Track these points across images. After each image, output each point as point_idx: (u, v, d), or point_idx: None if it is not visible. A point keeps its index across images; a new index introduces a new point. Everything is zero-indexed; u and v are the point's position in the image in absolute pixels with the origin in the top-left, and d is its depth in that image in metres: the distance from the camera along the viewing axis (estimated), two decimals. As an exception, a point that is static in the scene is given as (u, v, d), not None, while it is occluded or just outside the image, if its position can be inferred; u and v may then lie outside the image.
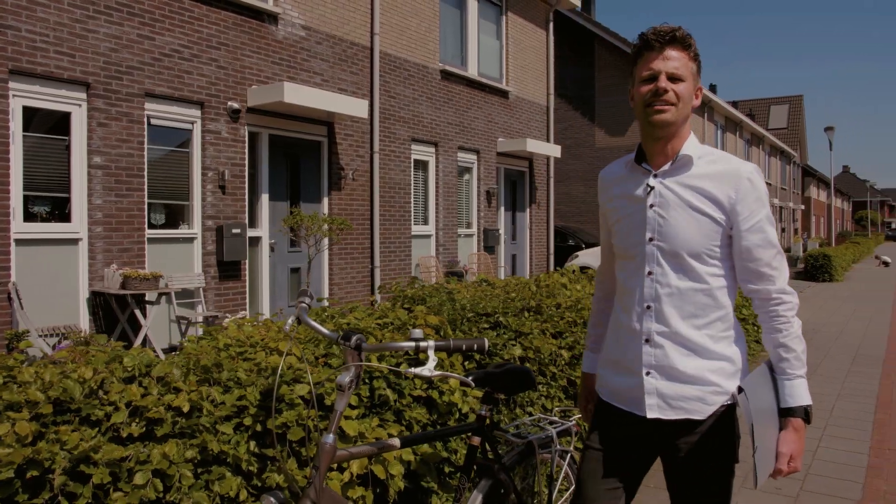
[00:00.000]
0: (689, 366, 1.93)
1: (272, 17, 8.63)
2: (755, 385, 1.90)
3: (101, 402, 2.05)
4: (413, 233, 11.38)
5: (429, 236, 11.96)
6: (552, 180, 15.56)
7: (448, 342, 1.97)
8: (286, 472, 2.23)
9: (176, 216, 7.73)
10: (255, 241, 8.61)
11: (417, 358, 2.92)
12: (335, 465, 2.36)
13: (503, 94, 13.70)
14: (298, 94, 8.12)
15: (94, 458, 1.87)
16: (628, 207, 2.03)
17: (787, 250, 32.97)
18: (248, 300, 8.30)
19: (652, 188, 1.97)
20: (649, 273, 1.96)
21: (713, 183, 1.91)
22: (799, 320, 1.96)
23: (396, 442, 2.11)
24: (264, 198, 8.74)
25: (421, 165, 11.78)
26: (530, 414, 3.54)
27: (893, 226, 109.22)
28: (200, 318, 7.40)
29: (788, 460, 1.88)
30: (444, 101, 12.00)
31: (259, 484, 2.24)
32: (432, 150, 11.86)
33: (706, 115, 27.56)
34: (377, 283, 10.28)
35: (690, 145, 1.97)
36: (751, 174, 1.92)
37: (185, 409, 2.08)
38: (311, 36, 9.23)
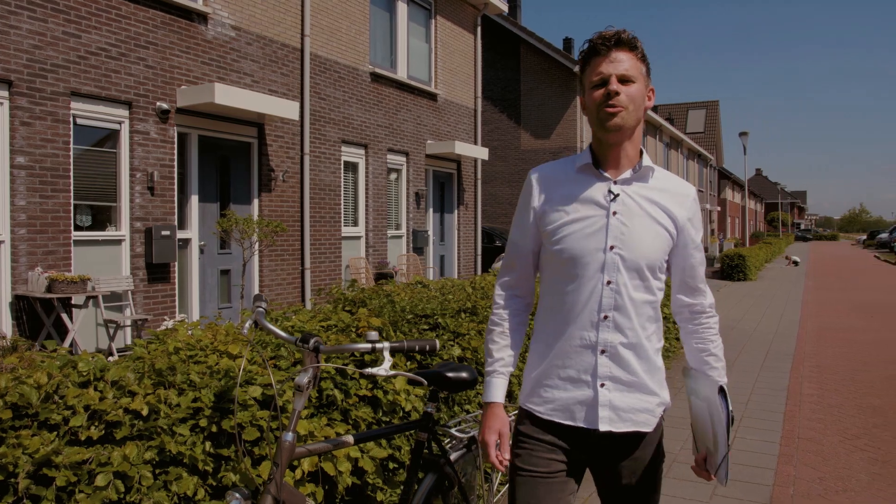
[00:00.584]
0: (642, 377, 1.92)
1: (202, 17, 8.54)
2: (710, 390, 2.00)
3: (58, 407, 2.10)
4: (343, 234, 11.43)
5: (359, 238, 12.02)
6: (479, 182, 15.85)
7: (402, 343, 2.11)
8: (242, 471, 2.33)
9: (103, 218, 7.57)
10: (185, 242, 8.50)
11: (363, 359, 3.05)
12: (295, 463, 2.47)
13: (432, 96, 13.89)
14: (229, 96, 8.07)
15: (55, 461, 1.93)
16: (580, 213, 1.92)
17: (705, 250, 34.42)
18: (177, 303, 8.18)
19: (616, 195, 1.91)
20: (609, 282, 1.89)
21: (670, 198, 1.94)
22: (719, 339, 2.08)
23: (350, 439, 2.24)
24: (194, 199, 8.63)
25: (351, 167, 11.83)
26: (468, 411, 3.71)
27: (802, 226, 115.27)
28: (129, 322, 7.27)
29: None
30: (374, 103, 12.09)
31: (214, 483, 2.33)
32: (362, 151, 11.93)
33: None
34: (308, 284, 10.29)
35: (647, 157, 1.97)
36: (695, 196, 2.01)
37: (144, 412, 2.16)
38: (242, 36, 9.18)
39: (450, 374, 2.51)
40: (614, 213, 1.90)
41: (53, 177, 6.83)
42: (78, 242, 7.16)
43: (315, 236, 10.49)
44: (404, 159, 13.12)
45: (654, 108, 49.06)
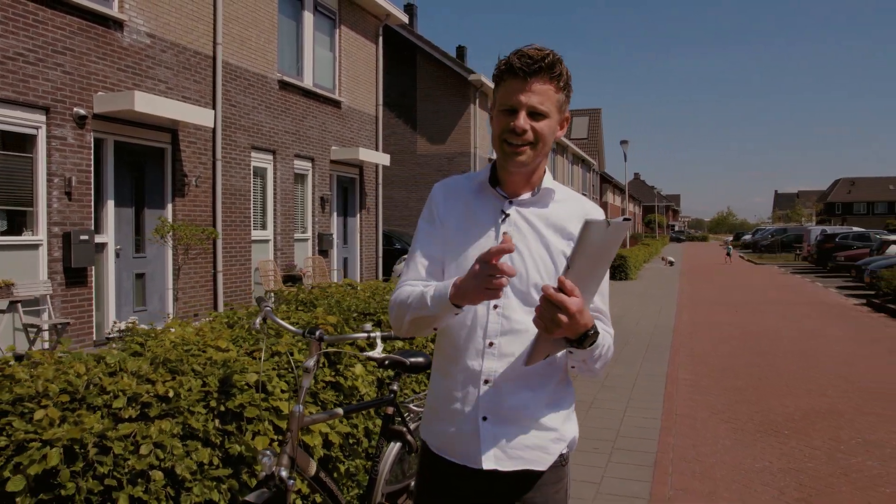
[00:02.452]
0: (530, 409, 1.77)
1: (118, 24, 8.65)
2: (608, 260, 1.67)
3: (99, 392, 2.53)
4: (253, 238, 11.68)
5: (267, 241, 12.30)
6: (381, 187, 16.40)
7: (390, 333, 2.68)
8: (246, 442, 2.83)
9: (20, 222, 7.59)
10: (101, 247, 8.59)
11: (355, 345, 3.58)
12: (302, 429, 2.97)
13: (336, 103, 14.31)
14: (148, 103, 8.25)
15: (109, 434, 2.36)
16: (474, 231, 1.83)
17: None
18: (94, 306, 8.27)
19: (507, 215, 1.81)
20: (495, 307, 1.76)
21: (572, 220, 1.82)
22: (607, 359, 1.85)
23: (340, 411, 2.78)
24: (110, 204, 8.72)
25: (260, 172, 12.10)
26: (415, 391, 4.31)
27: (677, 228, 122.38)
28: (47, 326, 7.35)
29: (575, 304, 1.55)
30: (282, 110, 12.40)
31: (221, 454, 2.80)
32: (270, 157, 12.22)
33: (516, 125, 29.76)
34: (220, 287, 10.50)
35: (548, 178, 1.88)
36: (602, 215, 1.80)
37: (170, 394, 2.61)
38: (156, 44, 9.32)
39: (411, 360, 3.10)
40: (503, 233, 1.80)
41: (-27, 182, 6.85)
42: (-4, 247, 7.18)
43: (227, 240, 10.72)
44: (310, 165, 13.48)
45: (541, 115, 51.13)
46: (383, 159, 15.49)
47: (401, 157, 24.60)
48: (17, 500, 2.14)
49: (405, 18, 16.90)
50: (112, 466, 2.32)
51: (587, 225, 1.49)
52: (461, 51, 32.57)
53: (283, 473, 2.41)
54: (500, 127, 1.77)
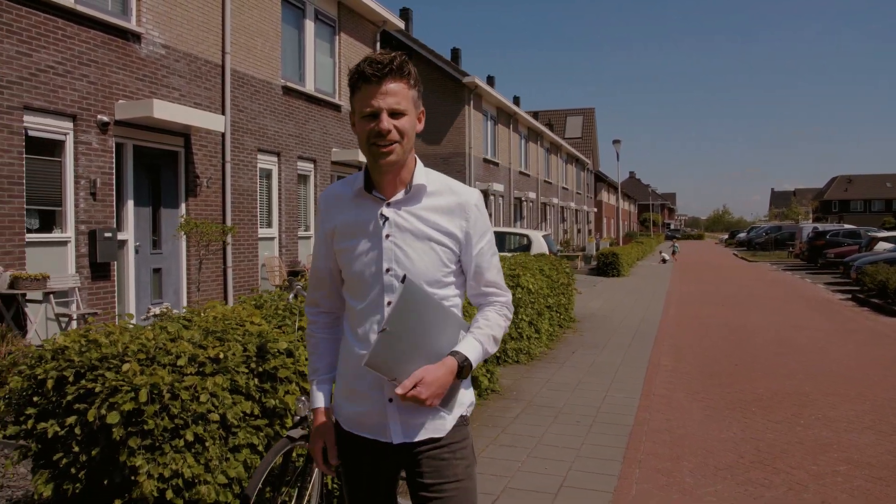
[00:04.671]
0: (452, 393, 1.96)
1: (136, 37, 9.27)
2: (435, 308, 1.94)
3: (165, 353, 3.15)
4: (259, 235, 12.29)
5: (272, 238, 12.92)
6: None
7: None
8: (279, 397, 3.45)
9: (50, 221, 8.21)
10: (122, 243, 9.20)
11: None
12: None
13: (336, 107, 14.92)
14: (166, 110, 8.88)
15: (177, 385, 2.99)
16: (359, 236, 1.98)
17: (583, 249, 36.98)
18: (116, 298, 8.90)
19: (387, 218, 1.95)
20: (389, 303, 1.92)
21: (444, 214, 1.97)
22: (506, 326, 2.11)
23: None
24: (130, 203, 9.35)
25: (265, 173, 12.71)
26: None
27: (672, 226, 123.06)
28: (75, 316, 7.96)
29: (416, 384, 1.84)
30: (286, 114, 13.01)
31: (259, 407, 3.42)
32: (275, 159, 12.84)
33: (511, 125, 30.42)
34: (230, 282, 11.12)
35: (419, 174, 1.99)
36: (478, 202, 2.03)
37: (221, 355, 3.23)
38: (171, 54, 9.94)
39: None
40: (387, 235, 1.94)
41: (9, 184, 7.46)
42: (30, 244, 7.79)
43: (236, 237, 11.33)
44: (312, 166, 14.10)
45: (535, 115, 51.77)
46: (382, 160, 16.10)
47: (399, 157, 25.15)
48: (114, 429, 2.77)
49: (401, 24, 17.52)
50: (180, 409, 2.94)
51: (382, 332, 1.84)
52: (456, 53, 33.21)
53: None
54: (365, 132, 1.90)
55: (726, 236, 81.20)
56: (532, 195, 33.00)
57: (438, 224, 1.97)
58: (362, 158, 15.14)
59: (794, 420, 6.15)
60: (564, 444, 5.40)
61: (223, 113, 11.03)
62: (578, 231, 48.23)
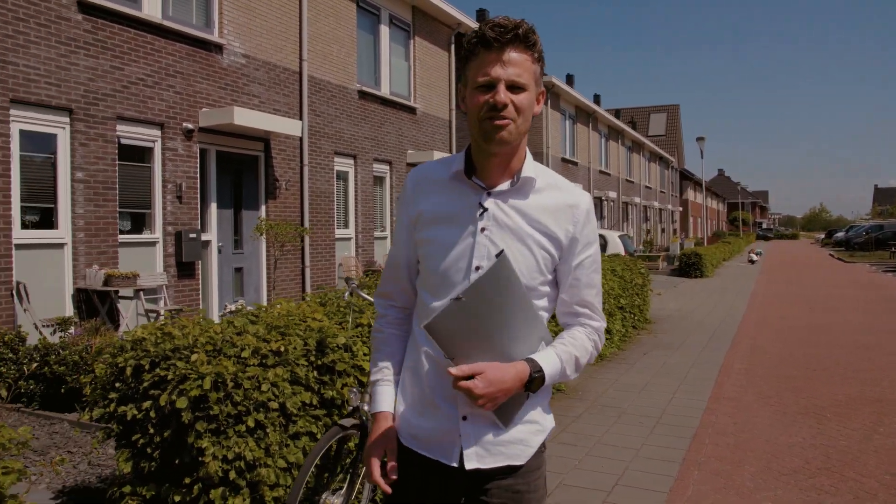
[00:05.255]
0: (514, 406, 1.69)
1: (218, 48, 9.78)
2: (522, 303, 1.68)
3: (231, 345, 3.39)
4: (336, 236, 12.70)
5: (349, 239, 13.32)
6: (456, 187, 17.21)
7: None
8: (338, 389, 3.65)
9: (141, 223, 8.79)
10: (206, 244, 9.73)
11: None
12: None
13: (412, 110, 15.21)
14: (246, 117, 9.34)
15: (240, 375, 3.22)
16: (449, 226, 1.73)
17: (666, 249, 36.19)
18: (201, 296, 9.42)
19: (485, 209, 1.71)
20: None
21: (552, 215, 1.73)
22: (593, 355, 1.83)
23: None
24: (213, 206, 9.87)
25: (342, 176, 13.12)
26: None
27: (764, 226, 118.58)
28: (163, 312, 8.48)
29: (476, 374, 1.58)
30: (362, 117, 13.38)
31: (318, 398, 3.63)
32: (351, 162, 13.22)
33: (591, 124, 30.13)
34: (308, 280, 11.55)
35: (529, 164, 1.75)
36: (590, 207, 1.79)
37: (282, 350, 3.46)
38: (251, 63, 10.42)
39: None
40: (482, 229, 1.70)
41: (104, 188, 8.04)
42: (122, 244, 8.36)
43: (313, 238, 11.75)
44: (388, 168, 14.43)
45: (617, 113, 51.03)
46: (457, 162, 16.31)
47: (475, 158, 25.32)
48: (182, 413, 3.02)
49: (476, 26, 17.63)
50: (243, 397, 3.17)
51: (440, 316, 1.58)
52: (535, 52, 33.06)
53: (366, 407, 3.22)
54: (477, 105, 1.64)
55: (822, 236, 77.63)
56: (612, 195, 32.56)
57: (543, 224, 1.72)
58: (437, 158, 15.34)
59: (872, 428, 5.92)
60: (625, 443, 5.41)
61: (301, 118, 11.46)
62: (662, 231, 47.20)
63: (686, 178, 59.15)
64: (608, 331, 9.47)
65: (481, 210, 1.71)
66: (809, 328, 11.58)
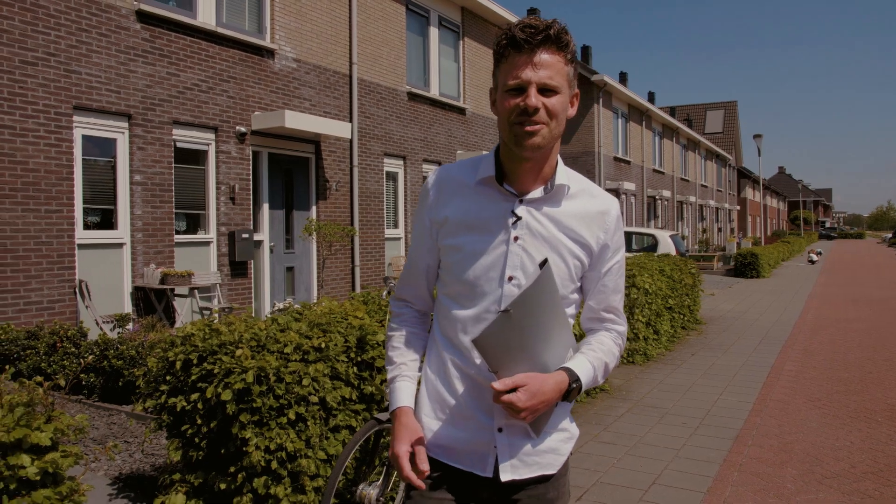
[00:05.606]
0: (545, 415, 1.65)
1: (269, 53, 10.05)
2: (557, 313, 1.65)
3: (275, 341, 3.54)
4: (386, 236, 12.89)
5: (399, 238, 13.49)
6: (505, 187, 17.25)
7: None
8: (376, 384, 3.77)
9: (195, 223, 9.12)
10: (258, 244, 10.03)
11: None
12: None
13: (461, 111, 15.31)
14: (296, 120, 9.58)
15: (282, 370, 3.37)
16: (479, 234, 1.67)
17: (722, 249, 35.46)
18: (253, 295, 9.71)
19: (519, 218, 1.66)
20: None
21: (584, 222, 1.69)
22: (619, 358, 1.81)
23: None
24: (265, 207, 10.16)
25: (392, 176, 13.30)
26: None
27: (828, 224, 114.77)
28: (217, 310, 8.77)
29: (518, 387, 1.54)
30: (411, 119, 13.54)
31: (357, 393, 3.75)
32: (401, 163, 13.40)
33: (644, 122, 29.74)
34: (357, 279, 11.76)
35: (562, 171, 1.70)
36: (618, 211, 1.76)
37: (322, 346, 3.60)
38: (301, 67, 10.68)
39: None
40: (516, 238, 1.65)
41: (161, 190, 8.37)
42: (178, 244, 8.70)
43: (363, 238, 11.96)
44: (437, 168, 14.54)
45: (672, 110, 50.15)
46: (506, 161, 16.35)
47: (526, 157, 25.28)
48: (227, 405, 3.18)
49: (526, 26, 17.65)
50: (284, 391, 3.32)
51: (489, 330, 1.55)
52: (586, 51, 32.83)
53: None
54: (507, 109, 1.59)
55: (890, 235, 74.80)
56: (666, 193, 32.06)
57: (575, 232, 1.68)
58: (485, 160, 15.43)
59: (926, 433, 5.78)
60: (665, 444, 5.40)
61: (350, 120, 11.68)
62: (719, 230, 46.22)
63: (744, 176, 57.79)
64: (656, 331, 9.41)
65: (514, 219, 1.66)
66: (867, 331, 11.26)
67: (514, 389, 1.54)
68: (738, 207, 56.03)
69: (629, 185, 25.72)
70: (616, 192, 25.51)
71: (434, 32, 14.57)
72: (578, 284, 1.74)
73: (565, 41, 1.59)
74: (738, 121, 56.62)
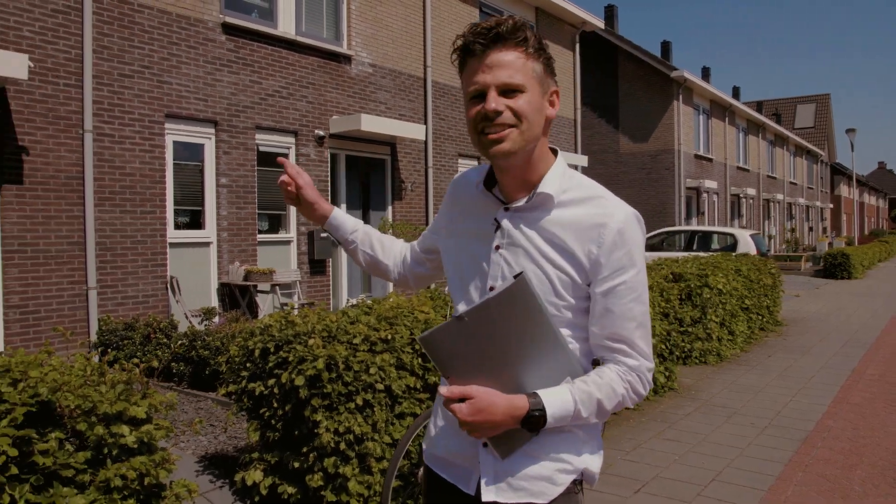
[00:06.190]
0: (539, 438, 1.54)
1: (346, 59, 10.44)
2: (544, 331, 1.51)
3: (345, 332, 3.80)
4: (459, 235, 13.12)
5: (471, 238, 13.71)
6: (579, 187, 17.21)
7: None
8: (438, 375, 3.98)
9: (277, 223, 9.59)
10: (336, 243, 10.42)
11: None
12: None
13: (535, 110, 15.38)
14: (372, 123, 9.94)
15: (351, 359, 3.62)
16: (468, 238, 1.67)
17: (813, 249, 34.10)
18: (331, 291, 10.12)
19: (499, 226, 1.60)
20: None
21: (574, 231, 1.54)
22: (627, 399, 1.58)
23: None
24: (343, 207, 10.56)
25: (465, 176, 13.53)
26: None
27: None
28: (297, 306, 9.20)
29: (466, 398, 1.48)
30: (485, 119, 13.72)
31: (422, 383, 3.97)
32: (476, 163, 13.60)
33: (727, 118, 28.95)
34: (431, 278, 12.06)
35: (552, 177, 1.58)
36: (623, 225, 1.53)
37: (389, 338, 3.83)
38: (377, 71, 11.03)
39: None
40: (497, 247, 1.60)
41: (245, 192, 8.86)
42: (261, 243, 9.18)
43: (436, 237, 12.23)
44: (510, 168, 14.69)
45: (759, 105, 48.45)
46: (581, 160, 16.32)
47: (603, 156, 25.09)
48: (300, 390, 3.46)
49: (601, 24, 17.58)
50: (352, 378, 3.57)
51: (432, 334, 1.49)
52: (666, 47, 32.21)
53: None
54: (471, 118, 1.52)
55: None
56: (751, 191, 31.07)
57: (560, 241, 1.54)
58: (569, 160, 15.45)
59: None
60: (730, 442, 5.41)
61: (425, 122, 11.97)
62: (810, 229, 44.42)
63: (838, 172, 55.27)
64: (731, 332, 9.28)
65: (495, 226, 1.61)
66: (961, 334, 10.74)
67: (463, 401, 1.48)
68: (832, 205, 53.67)
69: (710, 184, 25.13)
70: (696, 191, 24.98)
71: (508, 34, 14.69)
72: (573, 302, 1.56)
73: (522, 36, 1.48)
74: (830, 115, 54.23)
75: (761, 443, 5.42)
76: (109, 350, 6.65)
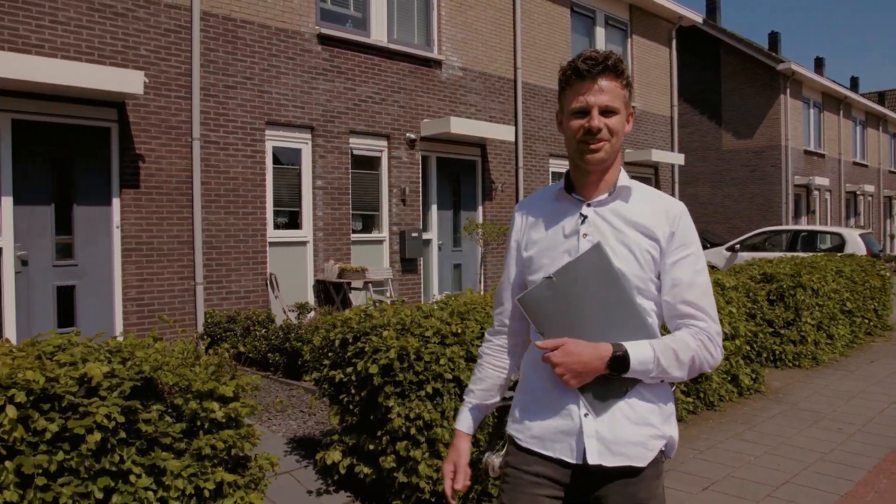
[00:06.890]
0: (631, 405, 1.83)
1: (437, 63, 10.76)
2: (620, 295, 1.83)
3: (418, 325, 4.06)
4: (549, 235, 13.19)
5: (562, 238, 13.75)
6: (677, 185, 16.89)
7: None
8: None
9: (370, 223, 10.03)
10: (427, 242, 10.78)
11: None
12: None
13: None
14: (461, 125, 10.22)
15: (422, 350, 3.87)
16: (554, 238, 1.92)
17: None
18: (422, 289, 10.47)
19: (585, 217, 1.89)
20: None
21: (650, 216, 1.88)
22: (702, 357, 1.84)
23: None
24: (433, 208, 10.91)
25: (558, 177, 13.58)
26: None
27: None
28: (389, 302, 9.59)
29: (558, 346, 1.77)
30: (576, 119, 13.73)
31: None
32: (566, 163, 13.63)
33: (842, 111, 27.48)
34: (520, 277, 12.21)
35: (624, 176, 1.93)
36: (684, 211, 1.92)
37: (459, 332, 4.06)
38: (467, 75, 11.30)
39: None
40: (584, 235, 1.88)
41: (339, 194, 9.33)
42: (354, 242, 9.63)
43: (525, 237, 12.37)
44: (603, 167, 14.60)
45: (880, 95, 45.48)
46: (678, 159, 16.03)
47: (704, 153, 24.40)
48: (374, 378, 3.75)
49: (699, 18, 17.17)
50: (423, 368, 3.82)
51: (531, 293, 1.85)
52: (774, 37, 30.87)
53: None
54: (573, 130, 1.85)
55: None
56: (870, 188, 29.33)
57: (640, 224, 1.86)
58: (655, 158, 15.25)
59: None
60: (812, 447, 5.31)
61: (515, 123, 12.13)
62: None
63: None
64: (829, 335, 8.95)
65: (582, 218, 1.89)
66: None
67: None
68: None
69: (822, 181, 23.95)
70: (806, 188, 23.89)
71: (601, 32, 14.64)
72: (654, 278, 1.86)
73: (621, 69, 1.85)
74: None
75: (846, 448, 5.29)
76: (213, 340, 7.23)
